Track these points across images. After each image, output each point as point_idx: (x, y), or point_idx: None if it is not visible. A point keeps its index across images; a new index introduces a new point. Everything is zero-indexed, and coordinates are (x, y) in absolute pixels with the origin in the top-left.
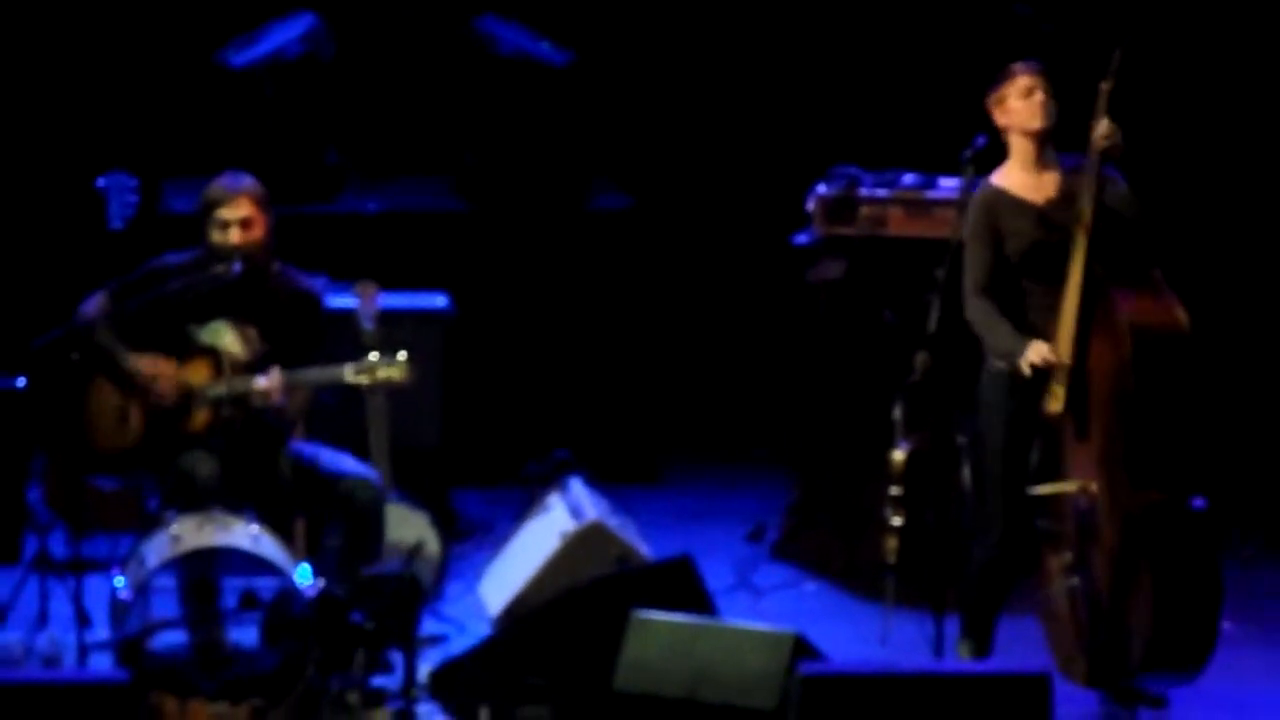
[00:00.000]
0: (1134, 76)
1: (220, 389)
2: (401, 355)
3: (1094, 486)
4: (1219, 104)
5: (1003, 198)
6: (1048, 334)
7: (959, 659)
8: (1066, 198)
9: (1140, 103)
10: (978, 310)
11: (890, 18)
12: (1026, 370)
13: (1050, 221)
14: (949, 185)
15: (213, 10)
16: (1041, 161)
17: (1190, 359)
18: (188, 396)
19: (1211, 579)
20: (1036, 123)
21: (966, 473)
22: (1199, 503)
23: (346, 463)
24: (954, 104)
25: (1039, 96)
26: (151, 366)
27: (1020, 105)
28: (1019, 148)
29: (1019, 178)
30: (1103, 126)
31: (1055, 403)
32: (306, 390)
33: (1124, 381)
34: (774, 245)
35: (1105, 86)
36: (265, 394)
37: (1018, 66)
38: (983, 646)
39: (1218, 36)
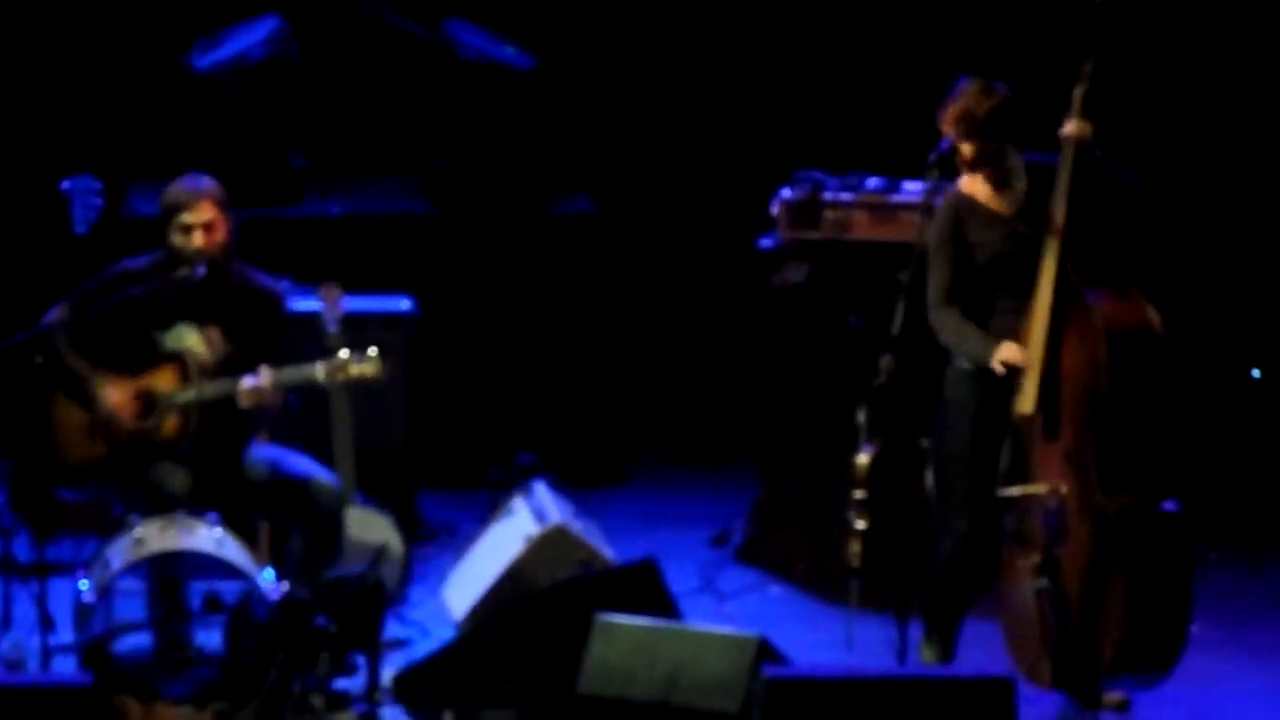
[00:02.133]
0: (1104, 80)
1: (189, 395)
2: (373, 351)
3: (1064, 488)
4: (1182, 110)
5: (971, 207)
6: (1014, 339)
7: (923, 663)
8: (1033, 206)
9: (1107, 108)
10: (944, 320)
11: (855, 22)
12: (999, 369)
13: (1018, 233)
14: (913, 189)
15: (177, 13)
16: (1009, 169)
17: (1165, 362)
18: (143, 431)
19: (1183, 582)
20: None
21: (930, 476)
22: (1171, 505)
23: (309, 466)
24: (918, 107)
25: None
26: (114, 397)
27: None
28: None
29: (986, 187)
30: (1073, 124)
31: (1026, 403)
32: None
33: (1097, 383)
34: (738, 249)
35: (1079, 90)
36: (257, 394)
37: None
38: (947, 650)
39: (1191, 39)
